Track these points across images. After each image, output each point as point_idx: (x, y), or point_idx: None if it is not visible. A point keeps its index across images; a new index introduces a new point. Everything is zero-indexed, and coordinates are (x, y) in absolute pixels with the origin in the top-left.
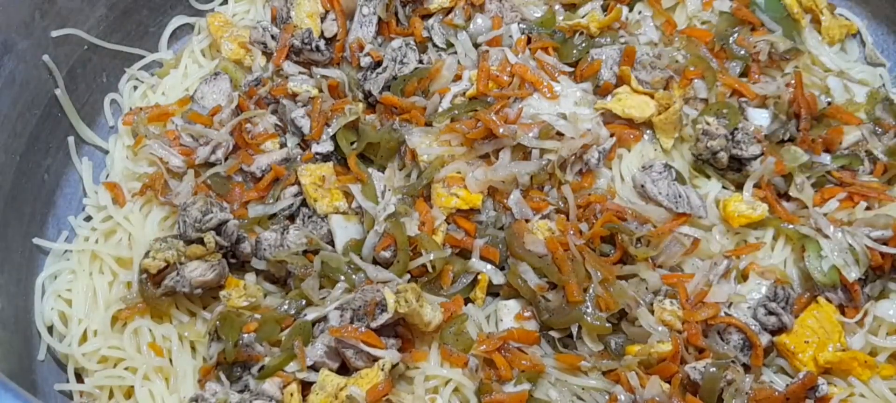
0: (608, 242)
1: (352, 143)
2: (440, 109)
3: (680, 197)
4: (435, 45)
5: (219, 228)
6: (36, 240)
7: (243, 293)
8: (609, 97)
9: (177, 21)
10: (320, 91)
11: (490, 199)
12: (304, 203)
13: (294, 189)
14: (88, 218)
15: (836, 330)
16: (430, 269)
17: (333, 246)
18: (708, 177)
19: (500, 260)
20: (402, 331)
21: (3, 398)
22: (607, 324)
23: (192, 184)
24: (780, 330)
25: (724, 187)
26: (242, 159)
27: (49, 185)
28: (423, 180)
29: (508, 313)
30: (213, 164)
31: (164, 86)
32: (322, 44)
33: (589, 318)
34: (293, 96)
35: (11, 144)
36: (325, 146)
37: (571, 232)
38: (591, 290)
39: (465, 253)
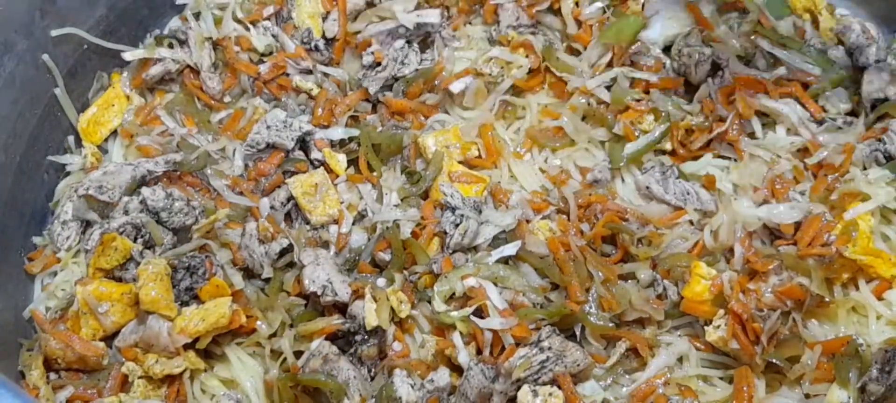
0: (609, 242)
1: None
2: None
3: (688, 193)
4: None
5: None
6: (35, 239)
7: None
8: None
9: (177, 22)
10: (320, 88)
11: (491, 199)
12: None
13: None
14: None
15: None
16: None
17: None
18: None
19: None
20: None
21: (3, 398)
22: (610, 324)
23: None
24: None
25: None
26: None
27: (49, 185)
28: (431, 173)
29: None
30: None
31: None
32: (322, 43)
33: (593, 318)
34: (296, 92)
35: (11, 144)
36: (338, 132)
37: (573, 232)
38: (593, 291)
39: None
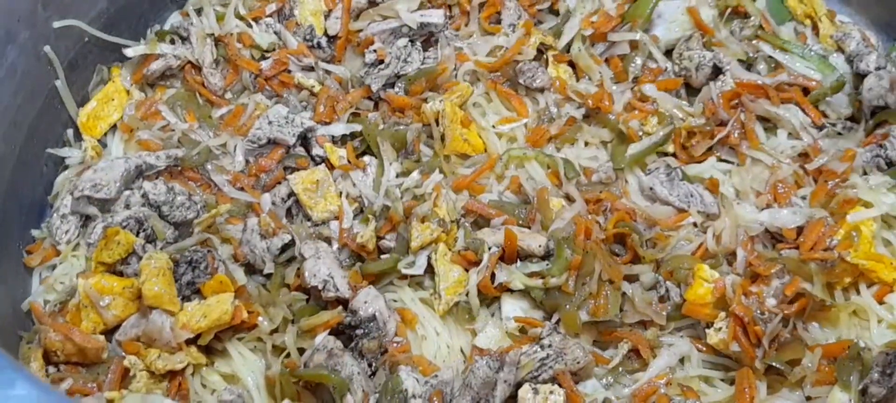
0: (617, 243)
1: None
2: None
3: (692, 196)
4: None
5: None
6: (34, 232)
7: None
8: None
9: (178, 18)
10: (322, 85)
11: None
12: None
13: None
14: None
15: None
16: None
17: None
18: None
19: None
20: None
21: (18, 380)
22: (583, 321)
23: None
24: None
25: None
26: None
27: (48, 177)
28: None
29: (512, 306)
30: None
31: None
32: (324, 41)
33: (569, 308)
34: (298, 89)
35: (11, 135)
36: (340, 128)
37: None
38: (585, 290)
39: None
